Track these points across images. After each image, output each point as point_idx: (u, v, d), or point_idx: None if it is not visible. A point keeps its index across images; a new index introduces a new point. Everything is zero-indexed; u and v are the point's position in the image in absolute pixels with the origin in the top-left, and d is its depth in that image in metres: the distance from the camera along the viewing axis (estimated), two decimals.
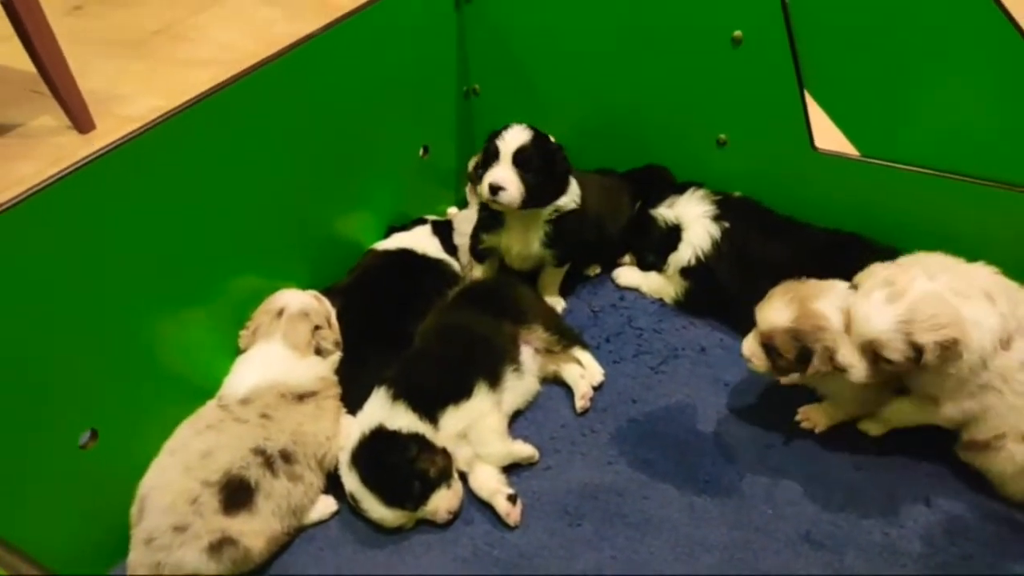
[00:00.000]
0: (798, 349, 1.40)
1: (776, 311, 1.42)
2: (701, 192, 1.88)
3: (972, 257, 1.62)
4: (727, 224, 1.80)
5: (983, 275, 1.40)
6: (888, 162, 1.70)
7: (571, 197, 1.77)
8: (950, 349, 1.30)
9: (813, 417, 1.58)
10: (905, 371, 1.36)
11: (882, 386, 1.45)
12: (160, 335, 1.46)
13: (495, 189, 1.65)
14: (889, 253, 1.68)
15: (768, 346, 1.44)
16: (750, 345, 1.48)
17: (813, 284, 1.45)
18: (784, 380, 1.53)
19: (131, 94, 2.96)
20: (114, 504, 1.37)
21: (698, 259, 1.80)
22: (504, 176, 1.65)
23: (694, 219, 1.83)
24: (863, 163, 1.72)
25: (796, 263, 1.60)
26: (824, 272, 1.50)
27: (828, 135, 1.76)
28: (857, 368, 1.36)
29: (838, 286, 1.44)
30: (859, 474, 1.50)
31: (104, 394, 1.37)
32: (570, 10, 1.89)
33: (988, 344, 1.32)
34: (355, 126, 1.80)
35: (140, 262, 1.40)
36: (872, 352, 1.34)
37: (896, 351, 1.31)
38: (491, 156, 1.68)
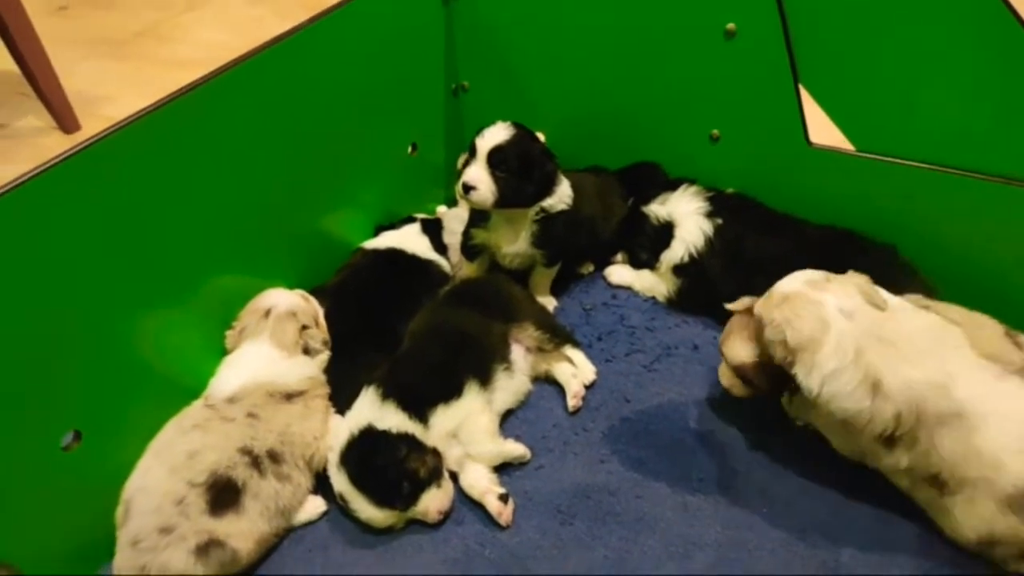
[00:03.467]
0: (769, 376, 1.39)
1: (739, 347, 1.42)
2: (694, 188, 1.86)
3: (970, 253, 1.60)
4: (720, 221, 1.78)
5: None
6: (884, 157, 1.68)
7: (560, 198, 1.75)
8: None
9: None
10: None
11: None
12: (144, 335, 1.43)
13: (467, 188, 1.64)
14: (885, 250, 1.68)
15: (744, 377, 1.44)
16: (727, 377, 1.48)
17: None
18: None
19: (116, 95, 2.93)
20: (98, 506, 1.33)
21: (691, 256, 1.78)
22: (476, 175, 1.64)
23: (687, 216, 1.82)
24: (859, 158, 1.70)
25: (790, 260, 1.57)
26: (819, 269, 1.49)
27: (823, 130, 1.74)
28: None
29: None
30: (855, 472, 1.47)
31: (87, 395, 1.34)
32: (560, 4, 1.87)
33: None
34: (341, 123, 1.78)
35: (123, 260, 1.36)
36: None
37: None
38: (471, 154, 1.68)
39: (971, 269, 1.60)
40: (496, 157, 1.64)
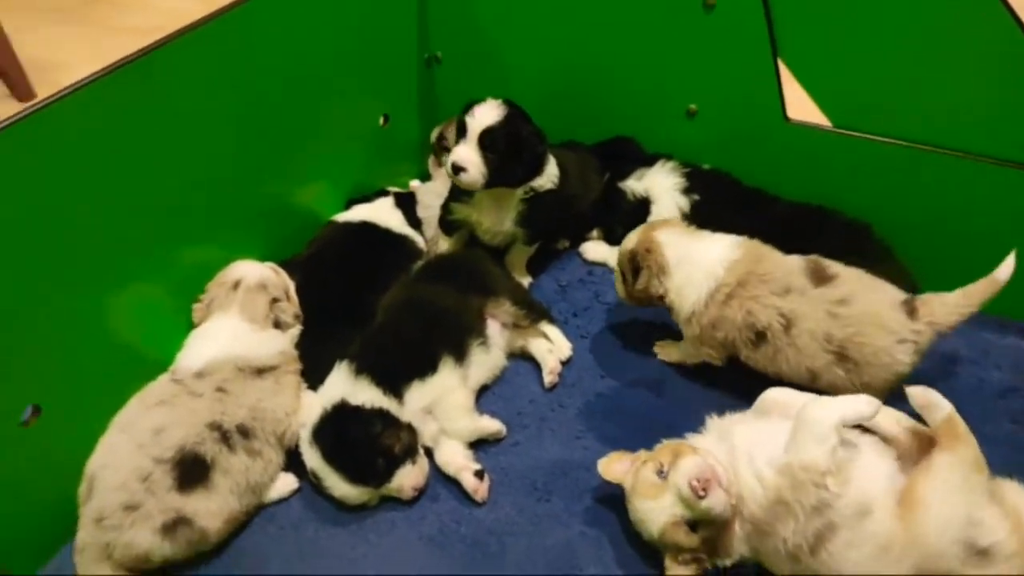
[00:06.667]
0: (632, 269, 1.51)
1: (628, 237, 1.56)
2: (671, 164, 1.85)
3: (946, 229, 1.59)
4: (696, 197, 1.78)
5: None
6: (861, 133, 1.68)
7: (548, 178, 1.72)
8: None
9: (666, 349, 1.67)
10: None
11: None
12: (108, 307, 1.38)
13: (457, 169, 1.60)
14: (861, 228, 1.69)
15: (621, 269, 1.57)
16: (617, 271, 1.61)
17: (667, 220, 1.60)
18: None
19: (72, 61, 2.80)
20: (60, 483, 1.29)
21: None
22: (466, 157, 1.60)
23: (663, 192, 1.81)
24: (836, 134, 1.70)
25: (765, 235, 1.58)
26: (791, 244, 1.49)
27: (801, 105, 1.73)
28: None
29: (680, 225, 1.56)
30: None
31: (47, 368, 1.28)
32: None
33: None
34: (310, 92, 1.73)
35: (87, 230, 1.31)
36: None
37: None
38: (460, 132, 1.64)
39: (945, 246, 1.61)
40: (487, 139, 1.60)
